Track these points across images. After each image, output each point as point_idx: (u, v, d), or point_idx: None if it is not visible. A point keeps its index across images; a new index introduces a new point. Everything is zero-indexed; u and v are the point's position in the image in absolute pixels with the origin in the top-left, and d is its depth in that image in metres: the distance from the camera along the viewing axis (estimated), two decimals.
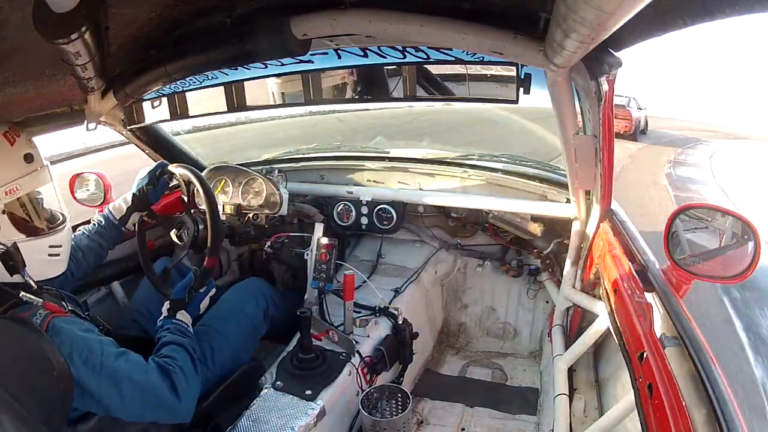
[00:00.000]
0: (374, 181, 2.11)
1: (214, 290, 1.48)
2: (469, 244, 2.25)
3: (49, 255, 1.19)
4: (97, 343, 1.07)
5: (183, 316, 1.36)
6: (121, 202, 1.60)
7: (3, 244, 1.09)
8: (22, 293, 1.07)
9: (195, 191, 2.04)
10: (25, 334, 0.99)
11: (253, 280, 1.79)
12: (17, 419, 0.96)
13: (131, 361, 1.10)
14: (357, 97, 1.41)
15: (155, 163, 1.63)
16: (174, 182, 1.69)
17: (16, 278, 1.11)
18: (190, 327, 1.36)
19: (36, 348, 0.98)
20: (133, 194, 1.58)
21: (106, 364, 1.05)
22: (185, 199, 1.62)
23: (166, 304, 1.37)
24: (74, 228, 1.77)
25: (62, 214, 1.25)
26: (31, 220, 1.16)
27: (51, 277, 1.22)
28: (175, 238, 1.66)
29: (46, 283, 1.20)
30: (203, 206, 1.48)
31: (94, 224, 1.57)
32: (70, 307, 1.20)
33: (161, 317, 1.36)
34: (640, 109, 10.38)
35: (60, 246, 1.21)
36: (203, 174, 2.11)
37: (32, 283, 1.13)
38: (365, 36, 1.05)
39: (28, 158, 1.14)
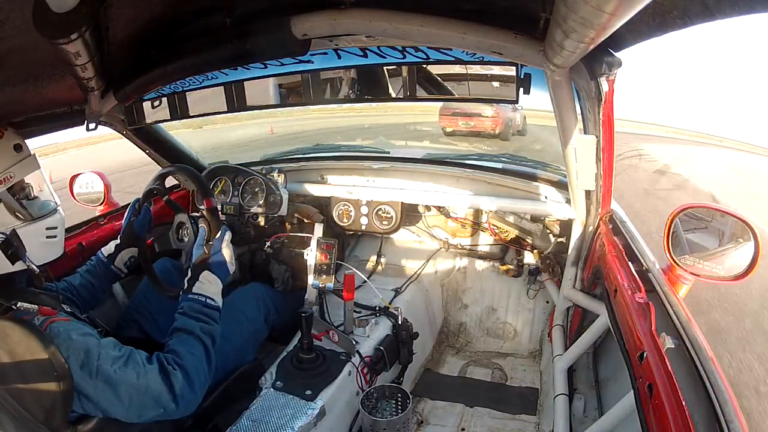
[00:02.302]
0: (374, 181, 2.11)
1: (229, 233, 1.40)
2: (468, 244, 2.25)
3: (47, 237, 1.22)
4: (94, 346, 1.07)
5: (205, 284, 1.27)
6: (112, 244, 1.57)
7: (2, 233, 1.10)
8: (20, 303, 1.07)
9: (193, 192, 2.04)
10: (26, 335, 0.99)
11: (255, 285, 1.78)
12: (17, 419, 0.96)
13: (129, 363, 1.08)
14: (357, 97, 1.41)
15: (133, 201, 1.61)
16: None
17: (18, 266, 1.11)
18: (213, 296, 1.27)
19: (37, 349, 0.98)
20: (120, 235, 1.56)
21: (102, 368, 1.04)
22: (169, 198, 1.60)
23: (189, 273, 1.30)
24: (73, 229, 1.77)
25: (53, 202, 1.28)
26: (24, 207, 1.19)
27: (50, 260, 1.23)
28: (176, 241, 1.65)
29: (43, 267, 1.20)
30: (202, 206, 1.47)
31: (86, 265, 1.55)
32: (69, 309, 1.20)
33: (182, 290, 1.29)
34: (516, 109, 9.01)
35: (56, 228, 1.24)
36: (203, 174, 2.11)
37: (35, 268, 1.14)
38: (365, 36, 1.05)
39: (18, 148, 1.18)
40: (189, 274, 1.31)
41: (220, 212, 1.89)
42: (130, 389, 1.06)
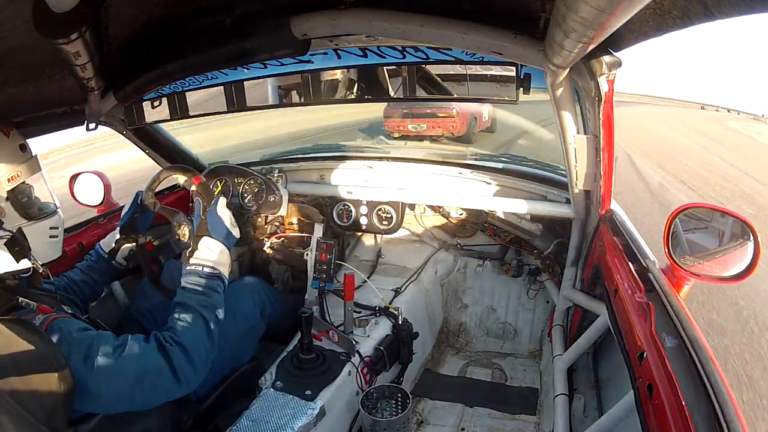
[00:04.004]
0: (374, 181, 2.11)
1: (223, 198, 1.35)
2: (469, 244, 2.25)
3: (50, 237, 1.25)
4: (94, 339, 1.06)
5: (204, 252, 1.24)
6: (110, 237, 1.57)
7: (8, 231, 1.11)
8: (21, 299, 1.08)
9: (193, 191, 2.03)
10: (27, 336, 0.99)
11: (248, 279, 1.77)
12: (18, 421, 0.96)
13: (128, 348, 1.07)
14: (357, 97, 1.41)
15: (133, 195, 1.59)
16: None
17: (23, 264, 1.12)
18: (213, 264, 1.23)
19: (37, 349, 0.98)
20: (120, 228, 1.54)
21: (104, 358, 1.03)
22: (162, 206, 1.57)
23: (193, 243, 1.27)
24: (73, 229, 1.77)
25: (53, 204, 1.30)
26: (28, 207, 1.22)
27: (51, 260, 1.25)
28: (177, 242, 1.64)
29: (47, 266, 1.21)
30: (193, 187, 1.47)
31: (86, 260, 1.55)
32: (69, 311, 1.20)
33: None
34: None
35: (57, 228, 1.27)
36: (203, 174, 2.11)
37: (39, 267, 1.15)
38: (365, 36, 1.05)
39: (23, 148, 1.21)
40: (192, 244, 1.27)
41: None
42: (132, 373, 1.05)
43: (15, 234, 1.12)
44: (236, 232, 1.33)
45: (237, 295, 1.60)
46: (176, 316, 1.17)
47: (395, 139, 7.12)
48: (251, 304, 1.60)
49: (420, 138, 7.26)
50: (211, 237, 1.27)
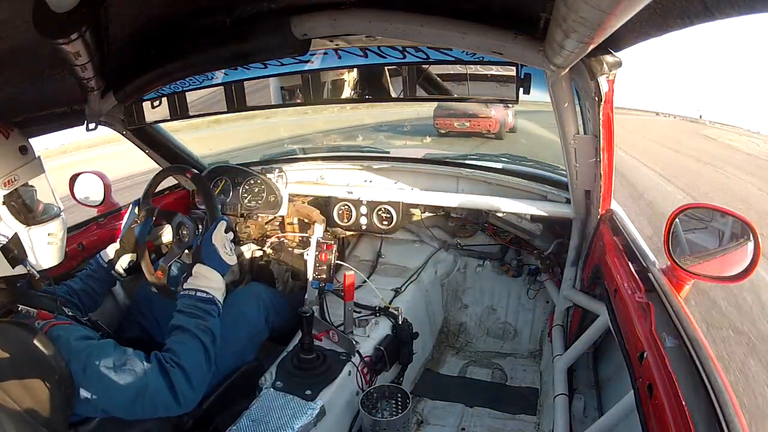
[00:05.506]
0: (374, 181, 2.11)
1: (224, 222, 1.35)
2: (468, 244, 2.25)
3: (48, 243, 1.22)
4: (95, 349, 1.07)
5: (198, 278, 1.26)
6: (111, 247, 1.57)
7: (4, 236, 1.10)
8: (21, 306, 1.08)
9: (193, 191, 2.04)
10: (28, 339, 0.99)
11: (253, 285, 1.78)
12: (18, 422, 0.96)
13: (129, 364, 1.08)
14: (357, 97, 1.41)
15: (131, 204, 1.60)
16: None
17: (19, 269, 1.11)
18: (207, 289, 1.25)
19: (38, 352, 0.98)
20: (120, 239, 1.55)
21: (103, 370, 1.04)
22: (159, 210, 1.58)
23: (188, 269, 1.30)
24: (73, 229, 1.77)
25: (56, 207, 1.27)
26: (28, 210, 1.19)
27: (50, 266, 1.23)
28: (175, 238, 1.65)
29: (45, 274, 1.21)
30: (202, 206, 1.47)
31: (86, 269, 1.56)
32: (70, 313, 1.20)
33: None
34: (506, 107, 8.71)
35: (58, 233, 1.24)
36: (203, 174, 2.11)
37: (35, 273, 1.15)
38: (365, 36, 1.05)
39: (23, 150, 1.18)
40: (192, 246, 1.30)
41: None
42: (131, 389, 1.06)
43: (10, 240, 1.10)
44: (231, 260, 1.34)
45: (242, 300, 1.61)
46: (175, 338, 1.19)
47: (442, 135, 8.40)
48: (256, 310, 1.60)
49: (463, 134, 8.59)
50: (204, 264, 1.29)
